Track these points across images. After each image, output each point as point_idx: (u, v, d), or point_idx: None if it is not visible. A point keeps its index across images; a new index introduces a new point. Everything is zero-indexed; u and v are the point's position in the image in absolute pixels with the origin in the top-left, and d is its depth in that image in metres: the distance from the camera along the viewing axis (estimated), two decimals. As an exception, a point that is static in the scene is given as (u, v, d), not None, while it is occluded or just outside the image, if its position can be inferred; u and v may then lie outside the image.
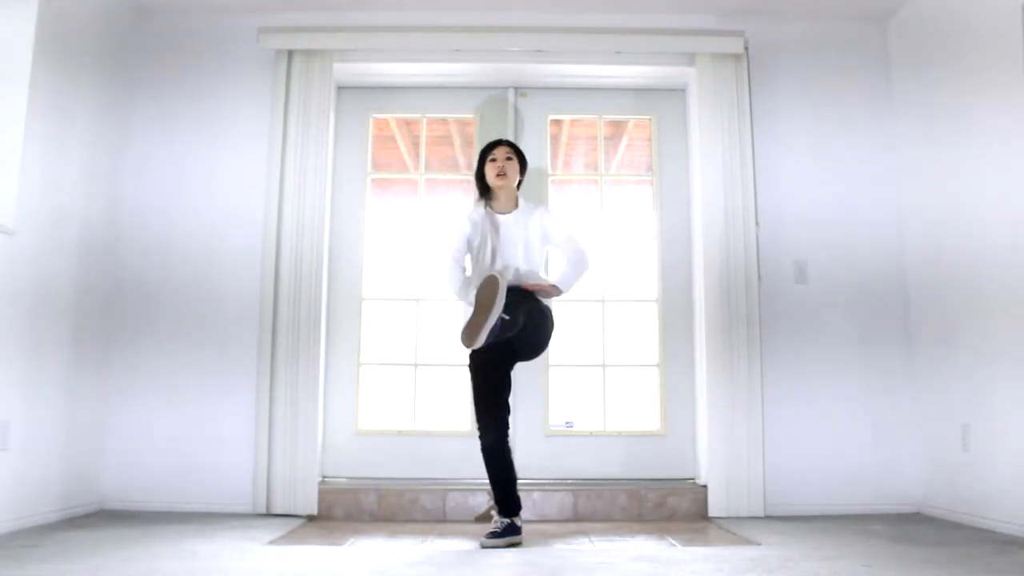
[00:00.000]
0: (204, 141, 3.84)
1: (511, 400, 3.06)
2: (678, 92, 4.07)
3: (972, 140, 3.35)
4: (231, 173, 3.81)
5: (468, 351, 2.97)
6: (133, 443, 3.63)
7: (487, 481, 3.51)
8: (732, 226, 3.70)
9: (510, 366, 3.08)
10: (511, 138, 3.94)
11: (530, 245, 3.16)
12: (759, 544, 2.86)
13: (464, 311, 3.06)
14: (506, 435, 2.99)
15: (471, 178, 3.97)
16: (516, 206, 3.22)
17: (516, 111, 4.02)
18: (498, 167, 3.18)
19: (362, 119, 4.03)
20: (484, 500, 3.53)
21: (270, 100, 3.79)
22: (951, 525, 3.29)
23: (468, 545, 2.93)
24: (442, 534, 3.16)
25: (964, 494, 3.35)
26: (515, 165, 3.21)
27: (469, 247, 3.20)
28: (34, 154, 3.15)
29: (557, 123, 4.12)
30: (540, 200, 3.80)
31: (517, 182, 3.25)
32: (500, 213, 3.20)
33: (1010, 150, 3.11)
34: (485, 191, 3.26)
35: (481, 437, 2.99)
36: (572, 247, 3.20)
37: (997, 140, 3.19)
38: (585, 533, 3.18)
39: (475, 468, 3.68)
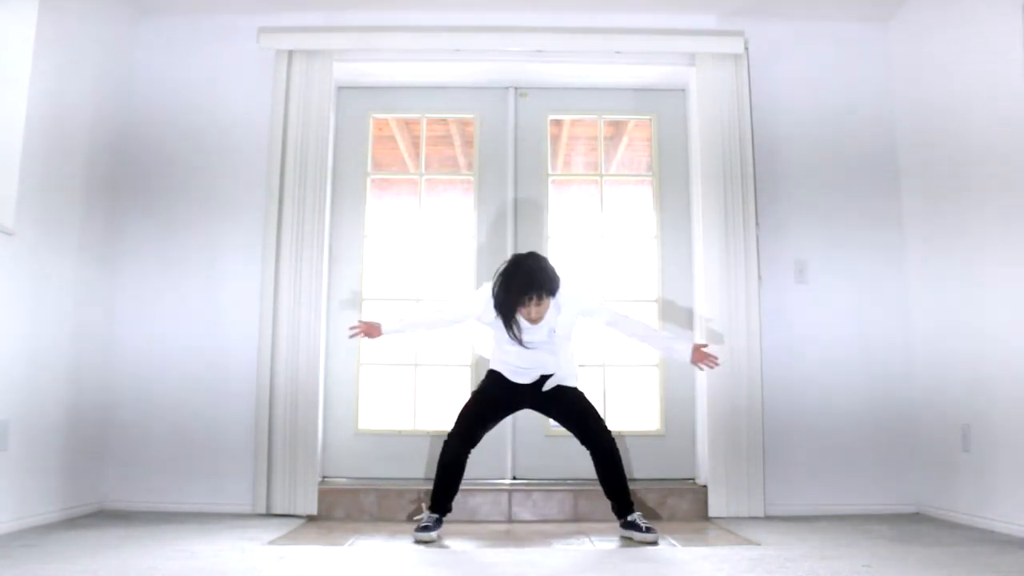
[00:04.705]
0: (204, 141, 3.83)
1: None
2: (678, 92, 4.07)
3: (974, 142, 3.35)
4: (231, 172, 3.81)
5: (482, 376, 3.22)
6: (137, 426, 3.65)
7: (486, 482, 3.63)
8: (732, 226, 3.69)
9: (510, 413, 3.23)
10: (511, 139, 3.97)
11: (549, 337, 3.07)
12: (759, 544, 2.86)
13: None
14: (470, 451, 3.10)
15: (471, 178, 4.00)
16: (543, 314, 3.05)
17: (516, 111, 4.02)
18: (532, 316, 3.00)
19: (362, 119, 4.03)
20: (483, 500, 3.54)
21: (270, 100, 3.79)
22: (951, 525, 3.29)
23: (468, 546, 2.93)
24: (442, 534, 3.15)
25: (964, 494, 3.35)
26: (547, 303, 3.00)
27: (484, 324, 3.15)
28: (34, 158, 3.15)
29: (557, 123, 4.12)
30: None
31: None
32: (529, 320, 3.04)
33: None
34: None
35: (448, 442, 3.10)
36: (613, 325, 3.16)
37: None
38: (585, 533, 3.18)
39: (475, 468, 3.69)
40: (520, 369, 3.11)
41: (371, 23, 3.87)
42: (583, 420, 3.11)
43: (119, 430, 3.65)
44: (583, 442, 3.11)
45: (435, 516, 3.04)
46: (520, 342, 3.03)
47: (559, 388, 3.13)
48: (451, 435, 3.11)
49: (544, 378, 3.12)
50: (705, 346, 3.20)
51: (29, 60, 3.11)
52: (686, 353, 3.16)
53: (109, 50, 3.72)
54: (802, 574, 2.35)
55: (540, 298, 2.97)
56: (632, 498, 3.08)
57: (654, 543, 2.90)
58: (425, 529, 2.98)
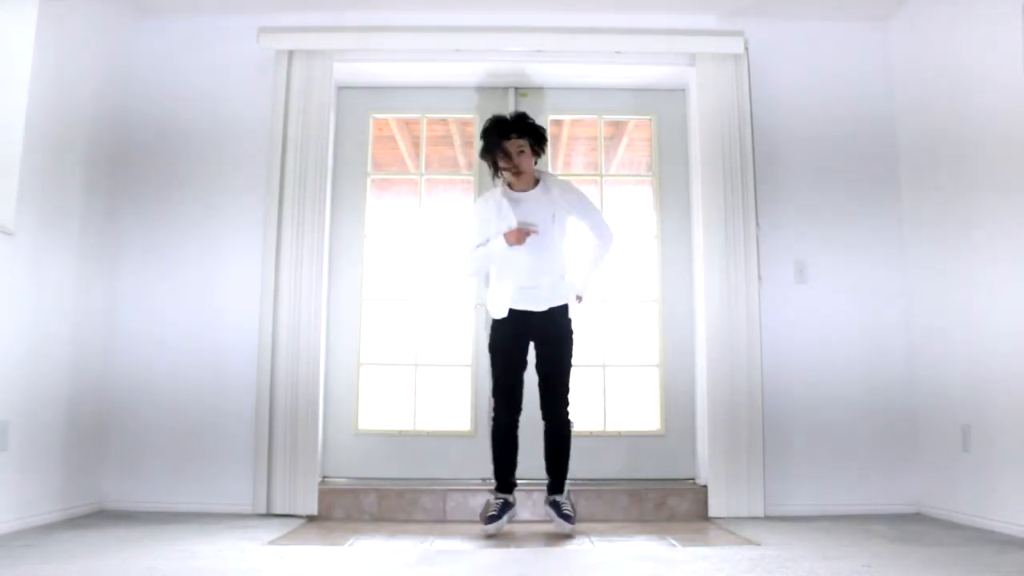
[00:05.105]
0: (204, 141, 3.83)
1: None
2: (678, 92, 4.07)
3: (974, 141, 3.35)
4: (231, 173, 3.81)
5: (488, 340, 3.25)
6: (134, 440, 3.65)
7: (486, 481, 3.59)
8: (732, 226, 3.69)
9: (527, 351, 3.21)
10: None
11: (552, 222, 3.18)
12: (759, 544, 2.86)
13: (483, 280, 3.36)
14: (518, 418, 3.17)
15: (471, 178, 4.00)
16: (535, 183, 3.25)
17: (516, 111, 4.01)
18: (512, 166, 3.16)
19: (362, 119, 4.03)
20: (483, 500, 3.53)
21: (270, 100, 3.79)
22: (951, 525, 3.29)
23: (468, 546, 2.93)
24: (442, 534, 3.16)
25: (964, 494, 3.35)
26: (529, 157, 3.19)
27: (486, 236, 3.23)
28: (34, 159, 3.15)
29: (557, 123, 4.11)
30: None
31: (535, 162, 3.27)
32: (520, 191, 3.24)
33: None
34: (497, 167, 3.25)
35: (495, 419, 3.19)
36: (595, 229, 3.29)
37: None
38: (585, 533, 3.18)
39: (476, 468, 3.71)
40: (527, 287, 3.14)
41: (371, 23, 3.87)
42: (555, 391, 3.17)
43: (119, 430, 3.65)
44: (544, 413, 3.18)
45: (499, 501, 3.12)
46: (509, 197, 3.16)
47: (558, 330, 3.17)
48: (495, 410, 3.17)
49: (551, 311, 3.17)
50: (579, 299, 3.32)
51: (29, 60, 3.11)
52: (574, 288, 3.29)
53: (109, 50, 3.72)
54: (802, 574, 2.35)
55: (521, 142, 3.13)
56: (569, 487, 3.23)
57: (569, 534, 3.05)
58: (491, 519, 3.07)
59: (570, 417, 3.20)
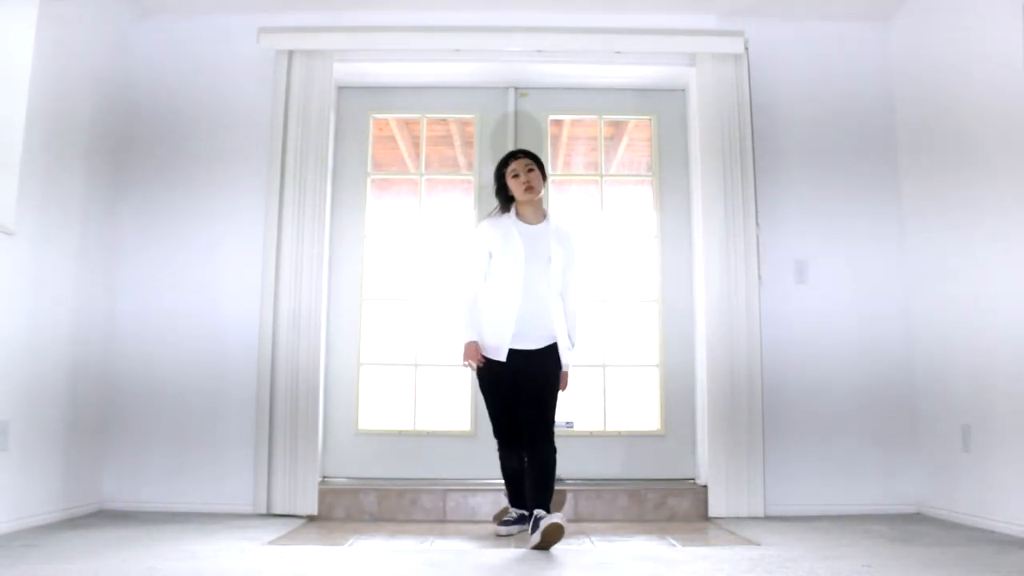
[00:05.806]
0: (203, 140, 3.83)
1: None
2: (678, 92, 4.07)
3: (973, 139, 3.35)
4: (231, 173, 3.80)
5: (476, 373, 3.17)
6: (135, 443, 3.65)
7: (486, 482, 3.66)
8: (732, 226, 3.70)
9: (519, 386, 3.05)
10: (511, 139, 3.96)
11: (554, 262, 3.09)
12: (759, 544, 2.86)
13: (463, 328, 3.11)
14: (519, 449, 3.07)
15: (471, 178, 4.00)
16: (544, 217, 3.17)
17: (516, 111, 4.02)
18: (523, 182, 3.09)
19: (362, 119, 4.03)
20: (483, 500, 3.55)
21: (270, 100, 3.79)
22: (951, 525, 3.29)
23: (468, 546, 2.93)
24: (442, 535, 3.16)
25: (964, 494, 3.35)
26: (538, 176, 3.12)
27: (490, 256, 3.13)
28: (34, 159, 3.15)
29: (557, 123, 4.12)
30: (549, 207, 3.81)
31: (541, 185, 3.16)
32: (528, 224, 3.12)
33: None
34: (508, 202, 3.17)
35: (500, 453, 3.19)
36: (569, 301, 3.17)
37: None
38: (585, 533, 3.18)
39: (475, 468, 3.71)
40: (521, 321, 3.01)
41: (371, 23, 3.87)
42: (538, 426, 2.98)
43: (119, 430, 3.65)
44: (524, 442, 3.00)
45: (519, 513, 3.15)
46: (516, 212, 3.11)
47: (546, 370, 3.04)
48: (501, 450, 3.17)
49: (544, 348, 3.05)
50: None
51: (29, 60, 3.11)
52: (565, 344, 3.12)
53: (109, 50, 3.72)
54: (802, 574, 2.35)
55: (529, 161, 3.13)
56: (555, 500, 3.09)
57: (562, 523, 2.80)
58: (505, 523, 3.15)
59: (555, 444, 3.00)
